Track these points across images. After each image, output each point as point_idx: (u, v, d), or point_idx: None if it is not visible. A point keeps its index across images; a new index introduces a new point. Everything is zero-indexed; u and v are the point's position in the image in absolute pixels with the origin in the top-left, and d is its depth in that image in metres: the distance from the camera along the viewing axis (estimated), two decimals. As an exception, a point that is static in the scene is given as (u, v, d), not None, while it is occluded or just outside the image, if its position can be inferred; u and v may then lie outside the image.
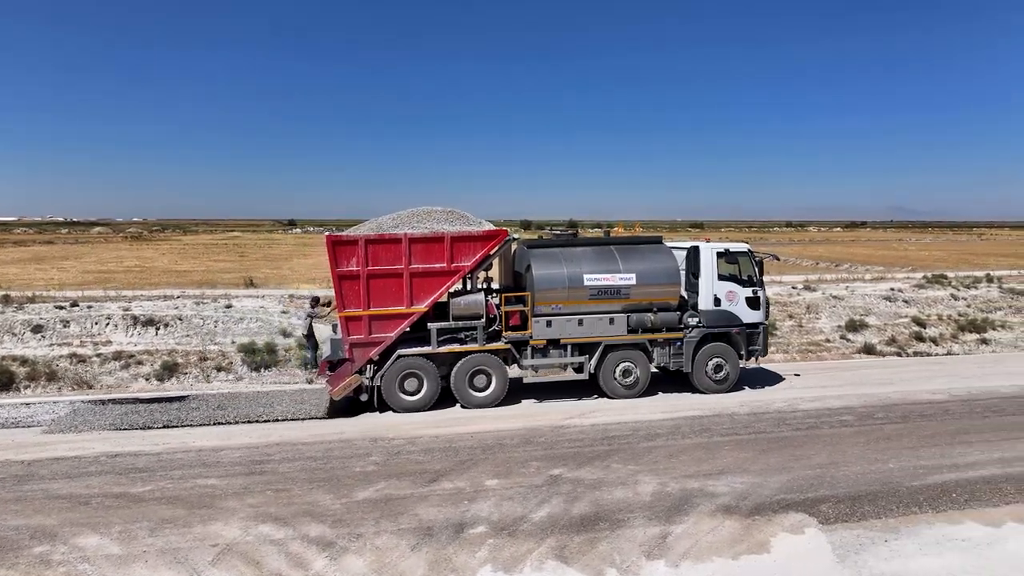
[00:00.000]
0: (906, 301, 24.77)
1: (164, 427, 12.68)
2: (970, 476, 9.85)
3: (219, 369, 17.52)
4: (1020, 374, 16.55)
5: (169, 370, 17.17)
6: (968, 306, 24.43)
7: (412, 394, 13.63)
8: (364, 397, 13.68)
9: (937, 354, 20.36)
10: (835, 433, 11.90)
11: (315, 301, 14.90)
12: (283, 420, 13.08)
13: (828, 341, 21.08)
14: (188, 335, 19.54)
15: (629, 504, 8.98)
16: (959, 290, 26.58)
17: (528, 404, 14.34)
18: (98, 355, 17.97)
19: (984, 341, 21.47)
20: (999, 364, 18.44)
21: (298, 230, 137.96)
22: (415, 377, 13.61)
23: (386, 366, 13.47)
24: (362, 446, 11.44)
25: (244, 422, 12.99)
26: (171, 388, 16.37)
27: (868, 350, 19.95)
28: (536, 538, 8.07)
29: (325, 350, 14.41)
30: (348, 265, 13.20)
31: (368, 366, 13.57)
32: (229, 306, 21.97)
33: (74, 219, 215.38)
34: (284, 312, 22.27)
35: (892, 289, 26.64)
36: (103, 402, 14.47)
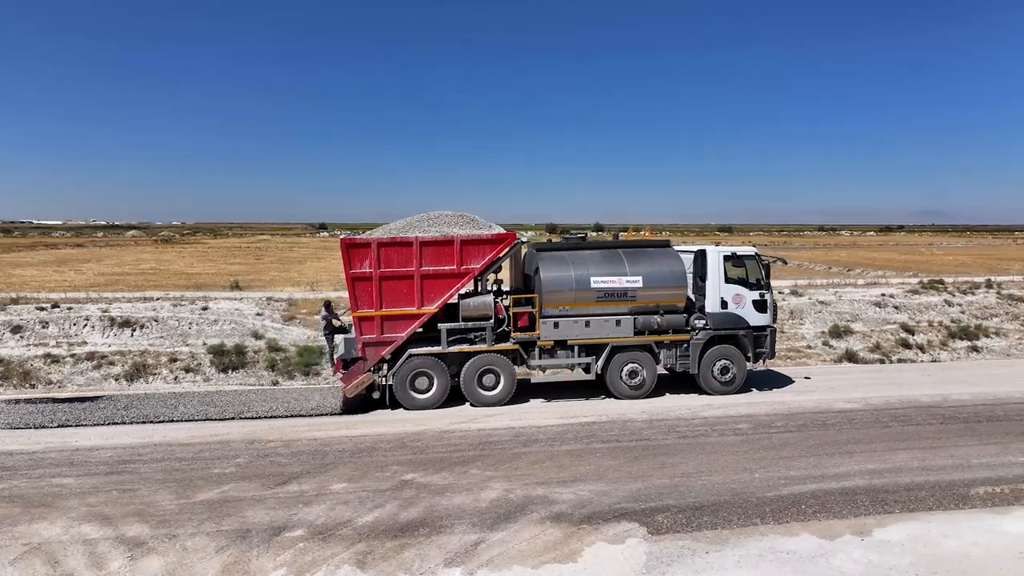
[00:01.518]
0: (896, 307, 24.14)
1: (59, 426, 12.83)
2: (832, 487, 9.52)
3: (187, 370, 17.71)
4: (957, 382, 16.01)
5: (139, 371, 17.40)
6: (963, 312, 23.75)
7: (423, 392, 13.91)
8: (376, 395, 14.02)
9: (922, 361, 19.84)
10: (720, 441, 11.61)
11: (327, 305, 15.25)
12: (181, 421, 13.15)
13: (809, 347, 20.60)
14: (162, 336, 19.77)
15: (462, 510, 8.83)
16: (954, 296, 25.82)
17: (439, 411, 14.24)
18: (72, 355, 18.26)
19: (975, 349, 20.88)
20: (946, 372, 17.89)
21: (325, 233, 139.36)
22: (426, 376, 13.89)
23: (397, 365, 13.77)
24: (236, 448, 11.44)
25: (141, 422, 13.09)
26: (139, 388, 16.57)
27: (850, 357, 19.51)
28: (347, 543, 7.97)
29: (339, 349, 14.66)
30: (361, 267, 13.56)
31: (381, 365, 13.84)
32: (205, 308, 22.16)
33: (116, 223, 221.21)
34: (259, 315, 22.45)
35: (883, 295, 25.93)
36: (17, 401, 14.66)
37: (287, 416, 13.48)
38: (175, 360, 18.08)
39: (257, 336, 19.53)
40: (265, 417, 13.41)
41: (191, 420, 13.23)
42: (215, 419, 13.28)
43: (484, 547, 7.87)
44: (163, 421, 13.17)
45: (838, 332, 21.33)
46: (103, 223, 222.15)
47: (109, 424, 12.99)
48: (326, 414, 13.60)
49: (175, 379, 17.27)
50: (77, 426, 12.87)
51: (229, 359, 17.90)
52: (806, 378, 16.94)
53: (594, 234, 43.51)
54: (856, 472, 10.06)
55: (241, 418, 13.36)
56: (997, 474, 9.97)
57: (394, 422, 13.05)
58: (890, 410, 13.49)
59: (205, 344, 18.85)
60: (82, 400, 14.58)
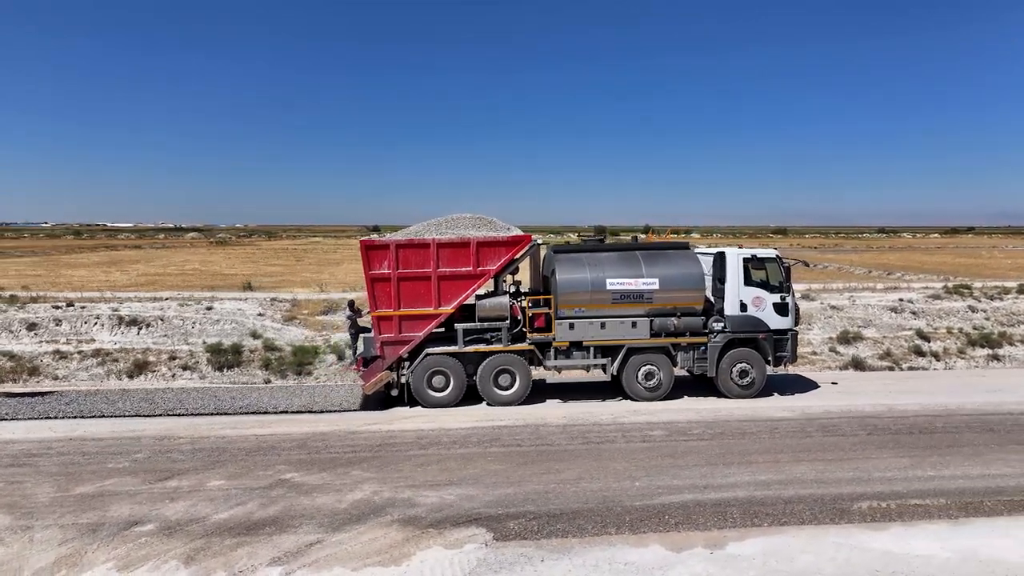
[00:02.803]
0: (914, 313, 23.16)
1: None
2: (709, 498, 9.19)
3: (185, 368, 18.19)
4: (913, 392, 15.26)
5: (139, 368, 17.98)
6: (987, 319, 22.63)
7: (440, 391, 14.16)
8: (395, 392, 14.32)
9: (936, 369, 19.01)
10: (624, 448, 11.32)
11: (351, 304, 15.67)
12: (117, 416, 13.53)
13: (815, 354, 19.97)
14: (166, 335, 20.37)
15: (319, 511, 8.84)
16: (980, 301, 24.63)
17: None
18: (79, 352, 18.98)
19: (995, 357, 19.91)
20: (907, 381, 16.96)
21: (375, 235, 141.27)
22: (442, 374, 14.14)
23: (415, 363, 14.05)
24: (144, 444, 11.69)
25: (74, 417, 13.48)
26: (139, 384, 17.07)
27: (857, 364, 18.88)
28: (187, 540, 8.06)
29: (360, 347, 15.06)
30: (380, 268, 13.90)
31: (400, 363, 14.15)
32: (210, 308, 22.67)
33: (181, 225, 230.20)
34: (260, 315, 22.91)
35: (901, 300, 24.91)
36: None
37: (218, 414, 13.70)
38: (174, 358, 18.56)
39: (255, 336, 19.91)
40: (207, 414, 13.67)
41: (122, 416, 13.55)
42: (146, 415, 13.59)
43: (318, 547, 7.86)
44: (96, 416, 13.53)
45: (847, 338, 20.63)
46: (170, 226, 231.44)
47: (44, 418, 13.40)
48: (261, 412, 13.79)
49: (173, 376, 17.73)
50: (13, 419, 13.33)
51: (225, 358, 18.32)
52: (833, 383, 16.45)
53: (642, 236, 42.69)
54: (744, 483, 9.68)
55: (172, 415, 13.64)
56: (892, 488, 9.46)
57: (309, 422, 13.12)
58: (822, 419, 12.94)
59: (205, 343, 19.35)
60: (33, 395, 15.14)
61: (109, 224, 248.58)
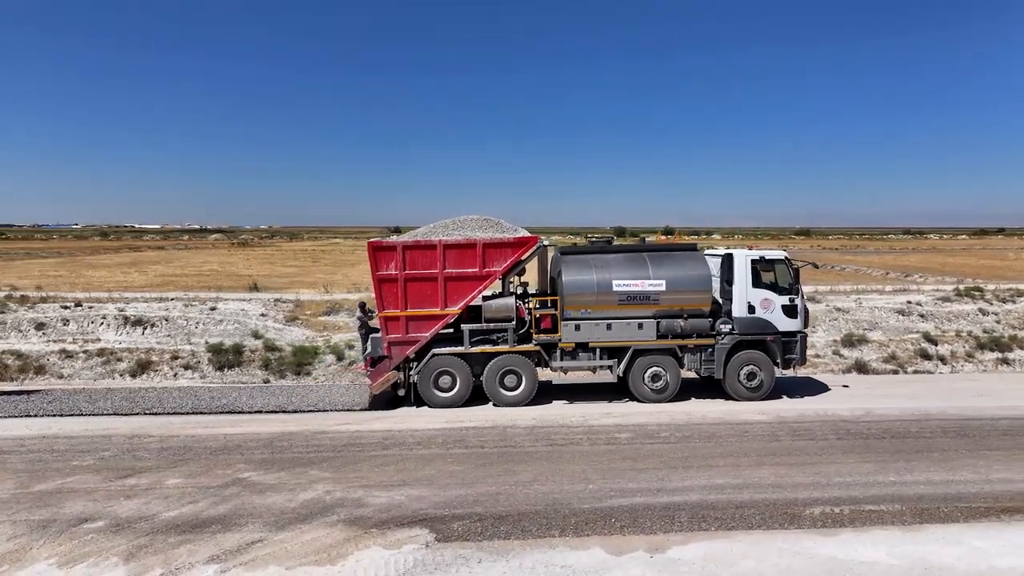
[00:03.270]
0: (922, 315, 22.83)
1: None
2: (661, 501, 9.11)
3: (187, 367, 18.46)
4: (900, 396, 14.98)
5: (142, 367, 18.28)
6: (998, 322, 22.28)
7: (446, 391, 14.28)
8: (402, 392, 14.49)
9: (941, 372, 18.76)
10: (587, 450, 11.27)
11: (362, 306, 15.92)
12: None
13: (818, 356, 19.75)
14: (170, 335, 20.68)
15: (268, 510, 8.90)
16: (991, 304, 24.21)
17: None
18: (84, 351, 19.33)
19: (1005, 361, 19.56)
20: (909, 385, 16.65)
21: (394, 237, 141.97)
22: (449, 375, 14.26)
23: (422, 364, 14.19)
24: (114, 442, 11.86)
25: (53, 415, 13.70)
26: (142, 383, 17.37)
27: (860, 367, 18.67)
28: (133, 537, 8.15)
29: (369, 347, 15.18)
30: (387, 269, 14.06)
31: (407, 363, 14.31)
32: (214, 308, 22.98)
33: (207, 226, 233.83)
34: (263, 315, 23.13)
35: (909, 302, 24.57)
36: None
37: (192, 413, 13.86)
38: (176, 358, 18.81)
39: (256, 336, 20.12)
40: (183, 413, 13.83)
41: (100, 415, 13.74)
42: (123, 414, 13.76)
43: (258, 546, 7.91)
44: (74, 415, 13.73)
45: (851, 341, 20.37)
46: (196, 227, 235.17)
47: (23, 416, 13.63)
48: (236, 412, 13.92)
49: (174, 376, 18.01)
50: (-5, 418, 13.56)
51: (226, 357, 18.55)
52: (844, 386, 16.31)
53: (664, 237, 42.55)
54: (698, 487, 9.59)
55: (149, 414, 13.80)
56: (849, 494, 9.31)
57: (280, 421, 13.20)
58: (796, 423, 12.77)
59: (207, 343, 19.58)
60: (20, 393, 15.40)
61: (137, 225, 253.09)
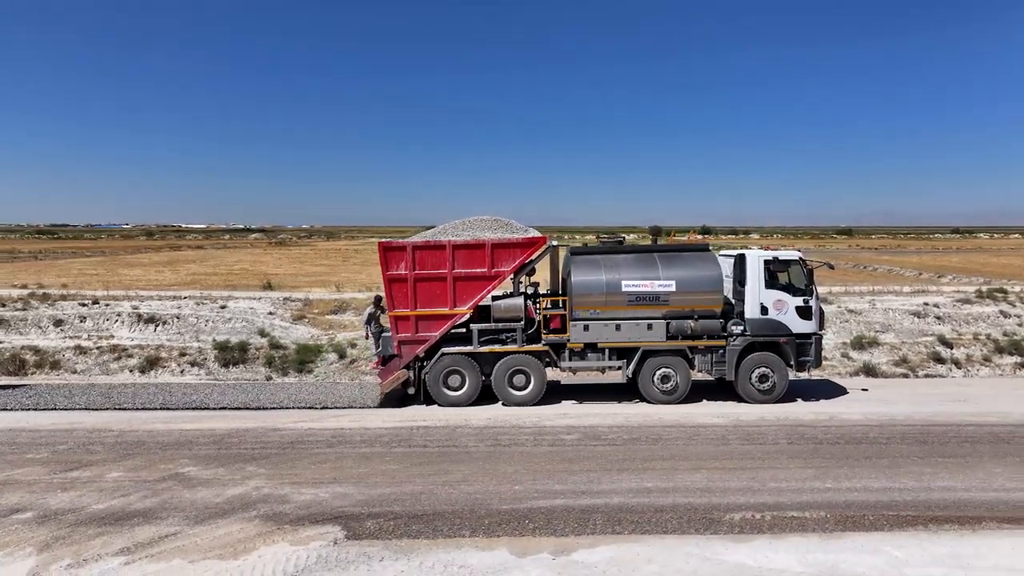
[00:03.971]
0: (939, 317, 22.15)
1: None
2: (579, 504, 9.04)
3: (194, 364, 18.92)
4: (878, 400, 14.62)
5: (151, 363, 18.83)
6: (1020, 324, 21.56)
7: (455, 390, 14.46)
8: (411, 390, 14.77)
9: (954, 376, 18.25)
10: (528, 451, 11.24)
11: (378, 300, 16.28)
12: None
13: (826, 359, 19.39)
14: (180, 332, 21.21)
15: (192, 504, 9.08)
16: (1013, 306, 23.36)
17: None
18: (98, 348, 19.97)
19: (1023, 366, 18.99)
20: (907, 388, 16.28)
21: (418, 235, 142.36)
22: (458, 374, 14.45)
23: (431, 363, 14.45)
24: (75, 436, 12.21)
25: (28, 409, 14.15)
26: (150, 379, 17.93)
27: (869, 371, 18.27)
28: (55, 528, 8.40)
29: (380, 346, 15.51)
30: (397, 269, 14.34)
31: (417, 362, 14.57)
32: (223, 307, 23.47)
33: (251, 226, 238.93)
34: (270, 314, 23.55)
35: (926, 304, 23.88)
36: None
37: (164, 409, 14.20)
38: (184, 355, 19.27)
39: (262, 334, 20.48)
40: (151, 409, 14.18)
41: (71, 409, 14.16)
42: (94, 409, 14.16)
43: (170, 539, 8.09)
44: (47, 409, 14.18)
45: (861, 343, 19.90)
46: (239, 227, 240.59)
47: (1, 410, 14.11)
48: (203, 408, 14.23)
49: (182, 372, 18.48)
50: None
51: (232, 355, 18.97)
52: (863, 390, 16.06)
53: (698, 237, 42.20)
54: (624, 490, 9.49)
55: (117, 409, 14.18)
56: (777, 500, 9.12)
57: (239, 418, 13.43)
58: (749, 427, 12.54)
59: (215, 340, 20.02)
60: (4, 387, 15.94)
61: (184, 225, 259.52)
